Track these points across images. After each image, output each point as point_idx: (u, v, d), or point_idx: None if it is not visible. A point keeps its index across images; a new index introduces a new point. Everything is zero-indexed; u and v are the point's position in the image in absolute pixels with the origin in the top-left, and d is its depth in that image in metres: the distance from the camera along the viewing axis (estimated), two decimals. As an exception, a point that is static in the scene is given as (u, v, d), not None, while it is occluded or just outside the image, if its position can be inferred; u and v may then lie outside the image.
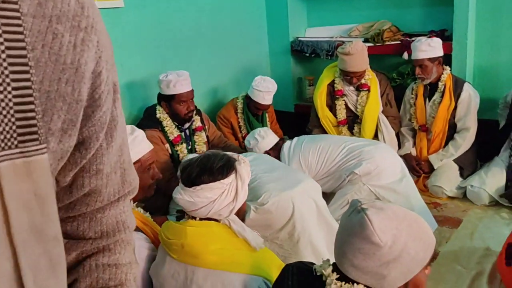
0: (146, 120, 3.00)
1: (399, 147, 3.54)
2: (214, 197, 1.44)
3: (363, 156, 2.74)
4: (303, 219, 2.25)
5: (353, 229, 1.09)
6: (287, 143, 3.02)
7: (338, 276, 1.14)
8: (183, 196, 1.45)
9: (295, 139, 3.05)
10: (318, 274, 1.19)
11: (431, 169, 3.35)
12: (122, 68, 3.16)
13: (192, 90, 3.01)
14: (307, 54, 4.15)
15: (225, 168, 1.46)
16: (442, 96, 3.27)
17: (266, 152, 2.98)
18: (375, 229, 1.05)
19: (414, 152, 3.48)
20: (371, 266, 1.07)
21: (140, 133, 1.71)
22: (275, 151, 2.99)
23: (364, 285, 1.10)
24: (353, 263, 1.09)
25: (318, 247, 2.23)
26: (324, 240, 2.29)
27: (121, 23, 3.10)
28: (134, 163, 1.69)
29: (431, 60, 3.19)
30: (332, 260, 1.19)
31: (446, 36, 3.50)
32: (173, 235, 1.50)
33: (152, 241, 1.69)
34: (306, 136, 3.13)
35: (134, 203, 1.74)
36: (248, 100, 3.51)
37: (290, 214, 2.24)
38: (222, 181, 1.44)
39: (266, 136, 3.00)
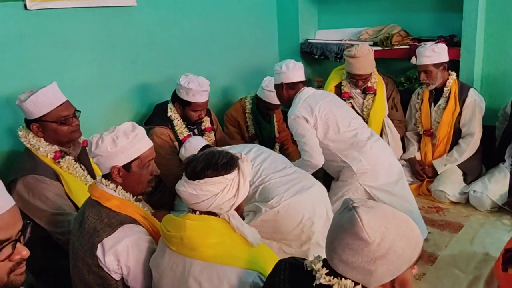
0: (157, 117, 3.04)
1: (404, 151, 3.56)
2: (216, 191, 1.48)
3: (364, 151, 2.76)
4: (312, 223, 2.28)
5: (343, 225, 1.14)
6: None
7: (327, 271, 1.19)
8: (187, 188, 1.49)
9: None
10: (309, 269, 1.23)
11: (435, 173, 3.36)
12: (134, 65, 3.23)
13: (208, 100, 3.04)
14: (316, 56, 4.19)
15: (229, 165, 1.51)
16: (447, 101, 3.28)
17: None
18: (364, 226, 1.10)
19: (418, 157, 3.49)
20: (359, 261, 1.11)
21: (140, 130, 1.77)
22: None
23: (352, 280, 1.15)
24: (342, 258, 1.13)
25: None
26: None
27: (133, 21, 3.16)
28: (134, 159, 1.74)
29: (436, 65, 3.21)
30: None
31: (454, 42, 3.51)
32: (173, 228, 1.55)
33: (150, 234, 1.75)
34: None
35: (133, 197, 1.79)
36: (258, 101, 3.55)
37: (300, 219, 2.27)
38: (225, 176, 1.48)
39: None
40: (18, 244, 1.05)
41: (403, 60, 3.80)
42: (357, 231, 1.10)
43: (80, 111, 2.35)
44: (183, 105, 2.99)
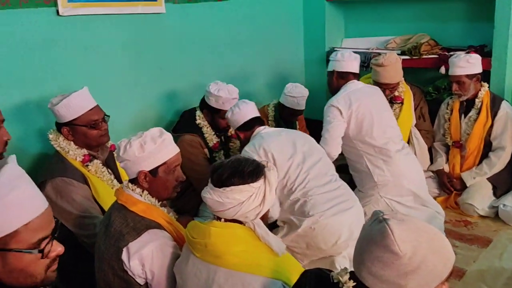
0: (186, 124, 3.05)
1: (431, 162, 3.49)
2: (242, 199, 1.48)
3: (390, 161, 2.71)
4: (347, 246, 2.26)
5: (373, 237, 1.12)
6: None
7: (355, 284, 1.17)
8: (212, 196, 1.49)
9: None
10: (335, 281, 1.21)
11: (463, 186, 3.28)
12: (161, 71, 3.27)
13: None
14: (342, 65, 4.15)
15: (255, 173, 1.50)
16: (478, 113, 3.21)
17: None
18: (396, 239, 1.07)
19: (446, 168, 3.42)
20: (389, 275, 1.09)
21: (167, 136, 1.78)
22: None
23: (380, 294, 1.12)
24: (371, 271, 1.11)
25: None
26: None
27: (162, 28, 3.21)
28: (161, 165, 1.76)
29: (469, 76, 3.14)
30: None
31: (485, 52, 3.44)
32: (198, 234, 1.55)
33: (174, 240, 1.75)
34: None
35: (158, 202, 1.80)
36: (280, 107, 3.54)
37: (336, 240, 2.25)
38: (251, 184, 1.48)
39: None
40: (54, 241, 1.12)
41: (431, 69, 3.75)
42: (388, 244, 1.08)
43: (109, 116, 2.39)
44: (212, 113, 3.00)
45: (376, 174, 2.71)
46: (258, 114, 2.65)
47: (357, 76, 2.98)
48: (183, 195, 3.07)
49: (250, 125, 2.59)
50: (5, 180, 1.03)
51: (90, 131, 2.30)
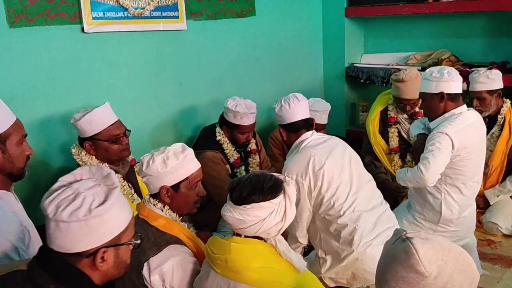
0: (207, 141, 3.07)
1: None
2: (263, 216, 1.48)
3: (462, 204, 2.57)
4: None
5: (397, 257, 1.10)
6: None
7: (377, 303, 1.15)
8: (233, 214, 1.49)
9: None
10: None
11: (487, 204, 3.23)
12: (181, 87, 3.31)
13: (255, 122, 3.06)
14: (362, 80, 4.17)
15: (274, 188, 1.50)
16: (501, 130, 3.17)
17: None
18: (421, 258, 1.06)
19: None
20: None
21: (189, 151, 1.80)
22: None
23: (404, 315, 1.10)
24: None
25: None
26: None
27: (183, 45, 3.26)
28: (183, 180, 1.77)
29: (490, 92, 3.11)
30: None
31: (507, 68, 3.41)
32: (218, 250, 1.55)
33: (195, 255, 1.76)
34: None
35: (179, 218, 1.82)
36: (302, 122, 3.54)
37: None
38: (272, 200, 1.48)
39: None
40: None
41: (452, 85, 3.71)
42: (413, 264, 1.06)
43: (130, 131, 2.43)
44: (231, 128, 3.02)
45: (445, 211, 2.57)
46: (308, 115, 2.41)
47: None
48: (202, 210, 3.07)
49: (297, 128, 2.38)
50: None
51: (112, 146, 2.34)
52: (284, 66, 4.03)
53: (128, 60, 2.98)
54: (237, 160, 3.08)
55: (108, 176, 1.27)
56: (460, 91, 2.54)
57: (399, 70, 3.50)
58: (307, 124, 2.39)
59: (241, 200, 1.48)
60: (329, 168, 2.20)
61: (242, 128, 2.99)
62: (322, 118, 3.41)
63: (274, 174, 1.58)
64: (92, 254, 1.20)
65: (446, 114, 2.50)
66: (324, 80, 4.46)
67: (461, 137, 2.41)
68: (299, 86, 4.16)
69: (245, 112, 2.95)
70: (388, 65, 4.05)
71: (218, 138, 3.05)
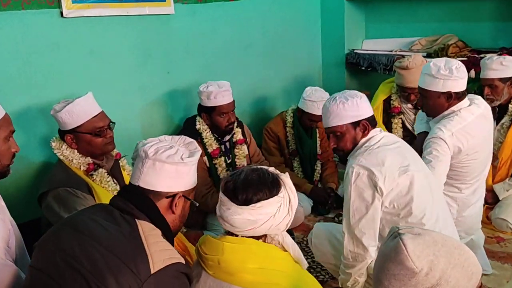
0: (186, 131, 3.08)
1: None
2: (273, 211, 1.51)
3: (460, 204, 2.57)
4: None
5: (388, 254, 1.13)
6: None
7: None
8: (243, 215, 1.49)
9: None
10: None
11: (495, 199, 3.25)
12: (168, 76, 3.31)
13: (233, 102, 3.10)
14: (363, 68, 4.18)
15: (276, 182, 1.54)
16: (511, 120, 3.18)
17: None
18: (409, 254, 1.08)
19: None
20: None
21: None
22: None
23: (402, 314, 1.12)
24: None
25: None
26: None
27: (170, 30, 3.25)
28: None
29: (503, 80, 3.11)
30: None
31: (519, 54, 3.42)
32: (210, 250, 1.55)
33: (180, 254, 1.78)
34: None
35: None
36: (300, 113, 3.55)
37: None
38: (279, 195, 1.52)
39: None
40: None
41: (460, 73, 3.73)
42: (402, 260, 1.09)
43: (114, 123, 2.42)
44: (209, 113, 3.06)
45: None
46: (372, 113, 2.19)
47: None
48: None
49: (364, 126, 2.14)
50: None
51: (95, 139, 2.33)
52: (279, 52, 4.03)
53: (112, 47, 2.96)
54: (216, 151, 3.10)
55: (191, 143, 1.65)
56: (465, 87, 2.52)
57: (403, 56, 3.51)
58: (374, 120, 2.21)
59: (248, 200, 1.49)
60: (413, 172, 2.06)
61: (219, 109, 3.02)
62: (319, 109, 3.40)
63: (265, 167, 1.60)
64: (171, 196, 1.54)
65: (445, 112, 2.49)
66: (322, 67, 4.47)
67: (457, 140, 2.40)
68: (295, 74, 4.17)
69: (218, 90, 2.98)
70: (391, 51, 4.06)
71: (197, 126, 3.08)
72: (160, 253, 1.40)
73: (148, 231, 1.44)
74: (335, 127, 2.15)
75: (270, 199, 1.49)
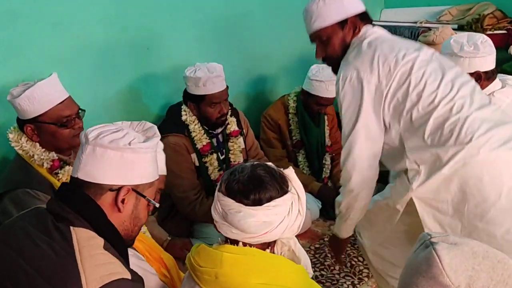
0: (170, 123, 3.08)
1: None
2: (287, 210, 1.54)
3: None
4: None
5: (419, 267, 1.12)
6: None
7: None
8: (258, 217, 1.51)
9: None
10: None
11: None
12: (149, 52, 3.29)
13: (226, 89, 3.06)
14: (382, 43, 4.16)
15: (283, 177, 1.58)
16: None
17: None
18: (444, 268, 1.08)
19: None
20: None
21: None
22: None
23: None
24: None
25: None
26: None
27: (150, -2, 3.23)
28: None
29: (548, 56, 3.13)
30: None
31: None
32: (206, 261, 1.55)
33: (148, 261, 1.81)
34: None
35: None
36: (304, 96, 3.55)
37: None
38: (290, 191, 1.56)
39: None
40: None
41: (497, 49, 3.72)
42: (436, 274, 1.08)
43: (84, 110, 2.41)
44: (197, 102, 3.02)
45: None
46: (363, 8, 2.24)
47: None
48: (170, 215, 3.11)
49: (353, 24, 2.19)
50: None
51: (61, 130, 2.31)
52: (281, 24, 4.02)
53: (80, 19, 2.94)
54: (206, 147, 3.07)
55: (150, 128, 1.64)
56: (494, 65, 2.54)
57: (429, 29, 3.51)
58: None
59: (261, 200, 1.51)
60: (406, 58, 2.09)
61: (209, 99, 2.98)
62: (329, 91, 3.41)
63: (267, 163, 1.63)
64: (116, 190, 1.49)
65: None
66: (333, 42, 4.45)
67: None
68: (300, 49, 4.15)
69: (207, 76, 2.93)
70: (415, 23, 4.05)
71: (183, 118, 3.05)
72: (96, 269, 1.34)
73: (84, 241, 1.39)
74: (318, 32, 2.23)
75: (284, 196, 1.53)
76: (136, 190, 1.53)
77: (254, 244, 1.56)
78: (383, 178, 3.06)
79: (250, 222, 1.51)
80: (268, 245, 1.58)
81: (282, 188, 1.54)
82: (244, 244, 1.55)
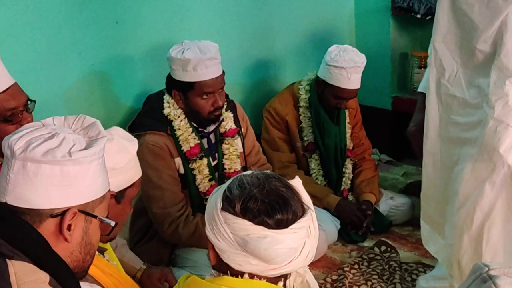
0: (148, 118, 3.06)
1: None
2: (306, 233, 1.58)
3: None
4: None
5: None
6: None
7: None
8: (285, 243, 1.52)
9: None
10: None
11: None
12: (118, 25, 3.28)
13: (223, 75, 3.02)
14: (419, 16, 4.18)
15: (297, 193, 1.60)
16: None
17: None
18: None
19: None
20: None
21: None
22: None
23: None
24: None
25: None
26: None
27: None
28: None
29: None
30: None
31: None
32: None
33: None
34: None
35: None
36: (319, 86, 3.55)
37: None
38: (310, 208, 1.60)
39: None
40: None
41: None
42: None
43: (35, 101, 2.41)
44: (185, 92, 2.98)
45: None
46: None
47: None
48: (145, 237, 3.11)
49: None
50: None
51: (4, 127, 2.32)
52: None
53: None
54: (195, 149, 3.04)
55: (92, 126, 1.54)
56: None
57: None
58: None
59: (286, 221, 1.53)
60: None
61: (200, 87, 2.95)
62: (350, 80, 3.41)
63: (276, 174, 1.64)
64: (59, 215, 1.43)
65: None
66: (355, 15, 4.48)
67: None
68: (315, 26, 4.18)
69: (199, 58, 2.87)
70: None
71: (166, 111, 3.03)
72: None
73: (23, 277, 1.35)
74: None
75: (306, 215, 1.55)
76: (84, 210, 1.48)
77: (267, 277, 1.56)
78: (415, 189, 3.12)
79: (278, 250, 1.51)
80: (280, 278, 1.59)
81: (303, 205, 1.56)
82: (251, 276, 1.55)
